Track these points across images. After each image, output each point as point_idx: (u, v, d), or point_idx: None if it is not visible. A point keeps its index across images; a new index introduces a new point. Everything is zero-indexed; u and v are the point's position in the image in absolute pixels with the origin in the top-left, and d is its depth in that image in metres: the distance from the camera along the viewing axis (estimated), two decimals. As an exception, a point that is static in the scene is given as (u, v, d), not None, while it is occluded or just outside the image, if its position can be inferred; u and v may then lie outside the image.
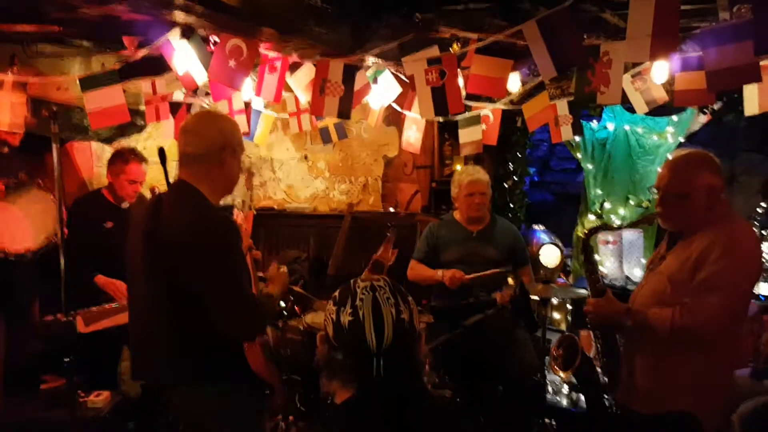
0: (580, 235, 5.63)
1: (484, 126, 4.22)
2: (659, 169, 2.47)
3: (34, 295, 3.58)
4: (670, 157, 2.50)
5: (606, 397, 2.71)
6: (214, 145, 2.22)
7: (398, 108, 4.30)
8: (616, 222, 5.38)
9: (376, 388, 1.38)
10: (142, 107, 4.08)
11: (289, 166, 5.77)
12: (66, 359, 2.86)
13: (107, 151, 4.76)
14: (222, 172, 2.26)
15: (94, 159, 4.69)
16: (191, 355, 2.18)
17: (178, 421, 2.29)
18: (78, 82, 3.04)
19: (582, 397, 3.96)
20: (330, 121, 4.57)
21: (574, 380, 4.00)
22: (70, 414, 3.01)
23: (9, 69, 3.19)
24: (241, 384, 2.23)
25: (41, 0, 2.78)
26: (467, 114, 4.21)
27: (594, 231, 2.81)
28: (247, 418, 2.29)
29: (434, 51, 3.02)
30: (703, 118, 5.06)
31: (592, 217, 5.57)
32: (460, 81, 3.09)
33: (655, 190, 2.42)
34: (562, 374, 3.21)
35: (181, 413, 2.27)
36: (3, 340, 3.28)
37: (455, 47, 3.16)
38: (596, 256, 5.41)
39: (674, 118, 5.25)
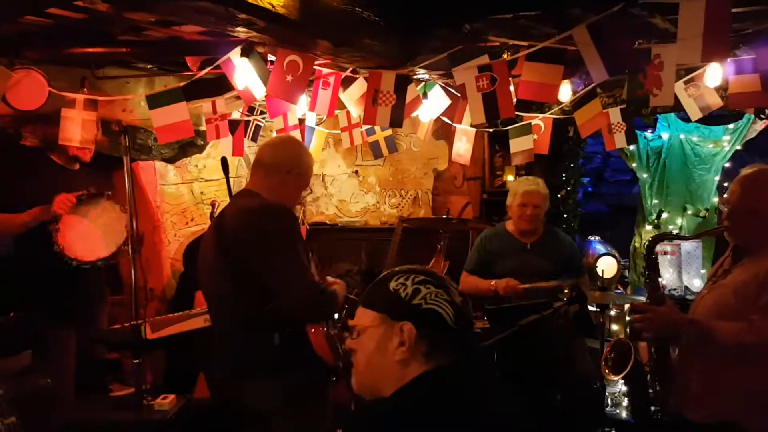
0: (637, 245, 5.54)
1: (535, 136, 4.24)
2: (731, 184, 2.43)
3: (103, 303, 3.75)
4: (739, 169, 2.47)
5: (653, 406, 2.66)
6: (284, 163, 2.49)
7: (448, 121, 4.37)
8: (674, 232, 5.29)
9: (470, 358, 1.42)
10: (203, 127, 4.25)
11: (340, 182, 5.88)
12: (136, 361, 2.98)
13: (170, 170, 4.97)
14: (282, 187, 2.49)
15: (157, 178, 4.89)
16: (257, 350, 2.30)
17: (245, 417, 2.39)
18: (145, 99, 3.21)
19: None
20: (380, 135, 4.67)
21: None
22: (137, 416, 3.13)
23: (80, 91, 3.39)
24: (306, 378, 2.32)
25: (110, 22, 2.96)
26: (518, 123, 4.25)
27: (659, 239, 2.78)
28: (312, 412, 2.36)
29: (484, 60, 3.08)
30: (759, 125, 4.95)
31: (649, 227, 5.48)
32: (511, 88, 3.13)
33: (725, 205, 2.41)
34: (611, 377, 3.19)
35: (247, 409, 2.36)
36: (74, 347, 3.43)
37: (505, 56, 3.21)
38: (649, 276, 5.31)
39: (730, 126, 5.15)
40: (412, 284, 1.40)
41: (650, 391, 2.62)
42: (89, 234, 3.36)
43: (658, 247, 5.14)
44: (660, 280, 2.63)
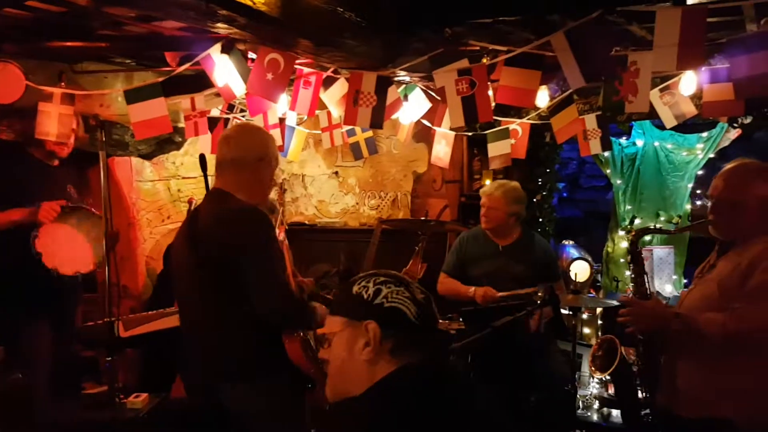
0: (610, 250, 5.62)
1: (513, 140, 4.29)
2: (714, 179, 2.49)
3: (78, 301, 3.71)
4: (712, 177, 2.51)
5: (641, 404, 2.69)
6: (251, 154, 2.40)
7: (428, 123, 4.39)
8: (646, 238, 5.37)
9: (439, 357, 1.45)
10: (181, 124, 4.22)
11: (320, 182, 5.88)
12: (108, 359, 2.95)
13: (147, 166, 4.93)
14: (255, 180, 2.43)
15: (133, 174, 4.85)
16: (236, 353, 2.28)
17: (224, 420, 2.37)
18: (123, 94, 3.19)
19: (613, 412, 3.94)
20: (361, 137, 4.68)
21: (605, 395, 4.02)
22: (110, 415, 3.10)
23: (57, 85, 3.35)
24: (285, 381, 2.31)
25: (89, 16, 2.93)
26: (496, 128, 4.29)
27: (642, 233, 2.83)
28: (291, 415, 2.36)
29: (464, 63, 3.10)
30: (733, 134, 5.06)
31: (622, 233, 5.56)
32: (490, 92, 3.16)
33: (709, 198, 2.45)
34: (597, 375, 3.21)
35: (228, 412, 2.35)
36: (49, 343, 3.39)
37: (485, 60, 3.24)
38: (627, 272, 5.39)
39: (704, 134, 5.26)
40: (374, 285, 1.44)
41: (639, 393, 2.65)
42: (70, 246, 3.35)
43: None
44: (646, 276, 2.67)
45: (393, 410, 1.34)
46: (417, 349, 1.42)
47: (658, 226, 5.29)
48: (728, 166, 2.47)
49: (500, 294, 3.61)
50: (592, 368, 2.87)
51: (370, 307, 1.41)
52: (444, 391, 1.38)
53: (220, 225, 2.28)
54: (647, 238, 5.38)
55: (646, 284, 2.62)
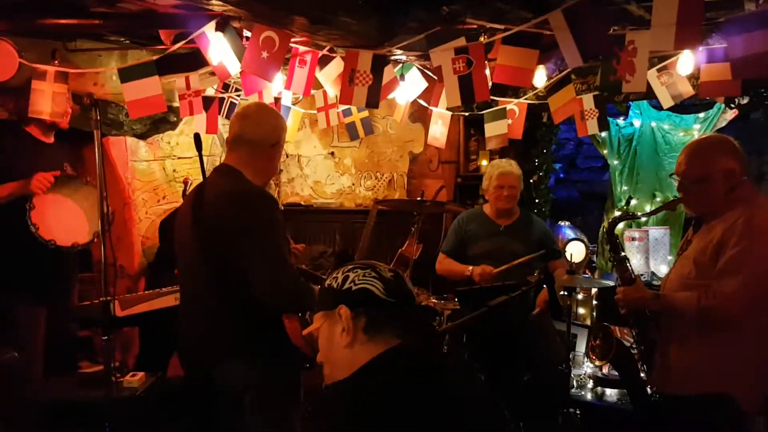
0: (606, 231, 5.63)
1: (509, 120, 4.27)
2: (678, 156, 2.50)
3: (74, 280, 3.70)
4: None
5: (647, 385, 2.70)
6: (269, 137, 2.43)
7: (424, 103, 4.37)
8: (642, 219, 5.38)
9: (419, 332, 1.46)
10: (176, 104, 4.20)
11: (315, 163, 5.87)
12: (104, 338, 2.95)
13: (142, 146, 4.90)
14: (266, 163, 2.45)
15: (128, 154, 4.82)
16: (233, 331, 2.27)
17: (218, 398, 2.38)
18: (117, 72, 3.16)
19: (607, 391, 3.98)
20: (357, 117, 4.66)
21: (599, 374, 4.04)
22: (106, 394, 3.10)
23: (51, 63, 3.32)
24: (281, 361, 2.31)
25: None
26: (493, 108, 4.27)
27: (618, 220, 2.86)
28: (285, 395, 2.36)
29: (461, 42, 3.08)
30: (729, 115, 5.04)
31: (618, 213, 5.57)
32: (487, 71, 3.14)
33: (676, 177, 2.46)
34: (598, 363, 3.22)
35: (221, 390, 2.35)
36: (44, 323, 3.39)
37: (482, 39, 3.22)
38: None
39: (701, 114, 5.24)
40: (342, 274, 1.50)
41: (642, 373, 2.67)
42: (66, 216, 3.33)
43: (626, 233, 5.26)
44: (626, 260, 2.68)
45: (372, 397, 1.36)
46: (392, 323, 1.45)
47: (648, 208, 5.30)
48: (689, 142, 2.49)
49: (497, 269, 3.61)
50: (593, 357, 2.89)
51: (340, 294, 1.47)
52: (426, 375, 1.40)
53: (229, 203, 2.26)
54: (642, 219, 5.38)
55: (629, 269, 2.62)
